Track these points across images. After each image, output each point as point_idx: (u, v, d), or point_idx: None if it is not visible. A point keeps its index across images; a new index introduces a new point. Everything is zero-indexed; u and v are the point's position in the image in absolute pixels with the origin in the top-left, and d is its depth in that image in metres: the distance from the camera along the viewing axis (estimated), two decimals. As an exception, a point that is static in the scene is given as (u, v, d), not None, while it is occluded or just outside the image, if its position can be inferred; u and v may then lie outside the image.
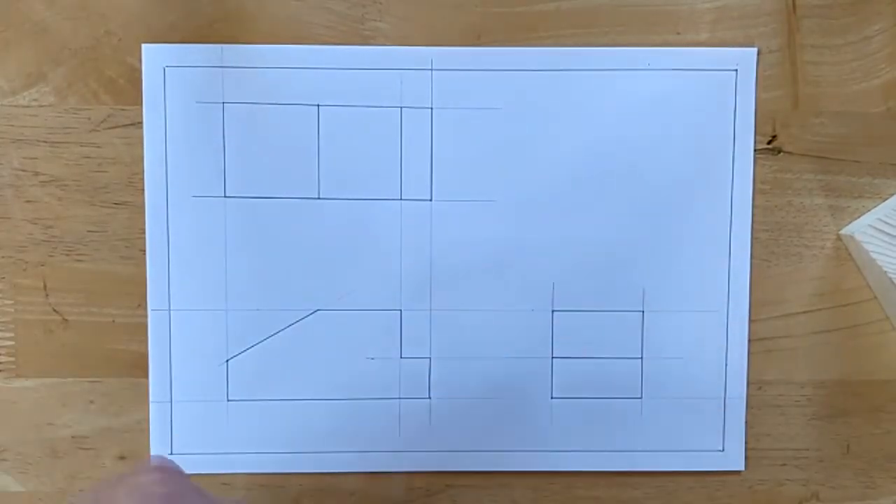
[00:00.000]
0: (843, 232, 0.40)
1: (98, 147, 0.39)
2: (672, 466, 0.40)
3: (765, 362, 0.40)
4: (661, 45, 0.39)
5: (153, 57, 0.38)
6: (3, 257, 0.39)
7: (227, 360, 0.40)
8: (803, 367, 0.40)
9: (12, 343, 0.40)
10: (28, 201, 0.39)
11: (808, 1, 0.39)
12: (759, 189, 0.40)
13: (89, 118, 0.39)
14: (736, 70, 0.39)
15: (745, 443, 0.40)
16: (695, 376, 0.40)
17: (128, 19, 0.39)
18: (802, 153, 0.40)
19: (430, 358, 0.40)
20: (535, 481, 0.41)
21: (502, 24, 0.39)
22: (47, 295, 0.39)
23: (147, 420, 0.40)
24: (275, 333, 0.39)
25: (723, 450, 0.40)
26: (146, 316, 0.39)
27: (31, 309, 0.39)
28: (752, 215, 0.40)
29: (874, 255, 0.38)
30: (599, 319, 0.40)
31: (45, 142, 0.39)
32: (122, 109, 0.39)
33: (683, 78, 0.39)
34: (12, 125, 0.39)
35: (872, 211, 0.40)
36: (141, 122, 0.39)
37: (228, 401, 0.40)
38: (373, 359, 0.40)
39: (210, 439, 0.40)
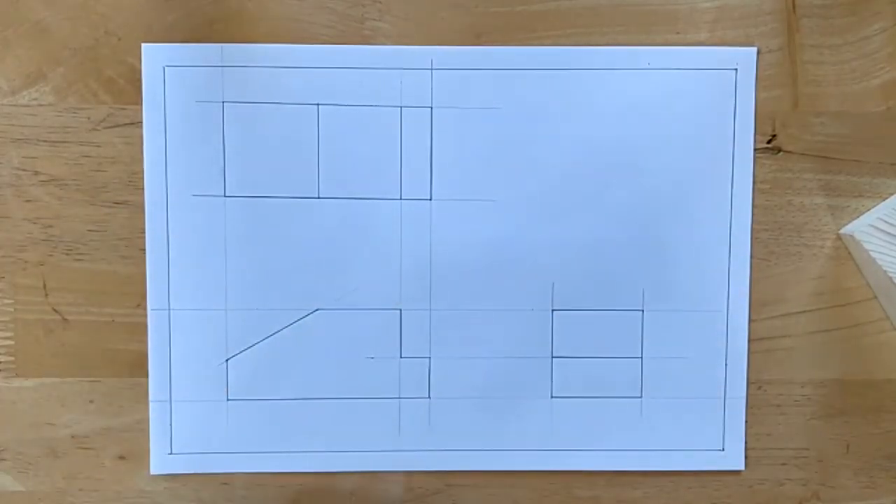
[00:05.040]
0: (842, 231, 0.40)
1: (98, 146, 0.39)
2: (672, 466, 0.40)
3: (765, 362, 0.40)
4: (661, 45, 0.39)
5: (153, 57, 0.38)
6: (2, 257, 0.39)
7: (227, 360, 0.40)
8: (803, 367, 0.40)
9: (12, 343, 0.39)
10: (28, 201, 0.39)
11: (808, 1, 0.39)
12: (759, 189, 0.40)
13: (89, 118, 0.39)
14: (736, 69, 0.39)
15: (745, 443, 0.40)
16: (695, 376, 0.40)
17: (128, 19, 0.39)
18: (802, 153, 0.40)
19: (430, 358, 0.40)
20: (535, 481, 0.41)
21: (502, 24, 0.39)
22: (47, 295, 0.39)
23: (147, 420, 0.40)
24: (275, 333, 0.39)
25: (723, 450, 0.40)
26: (146, 315, 0.39)
27: (31, 309, 0.39)
28: (752, 215, 0.40)
29: (874, 255, 0.38)
30: (599, 319, 0.40)
31: (45, 141, 0.39)
32: (122, 109, 0.39)
33: (683, 77, 0.39)
34: (12, 125, 0.39)
35: (872, 210, 0.40)
36: (141, 122, 0.39)
37: (228, 400, 0.40)
38: (373, 358, 0.40)
39: (210, 439, 0.40)
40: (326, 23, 0.39)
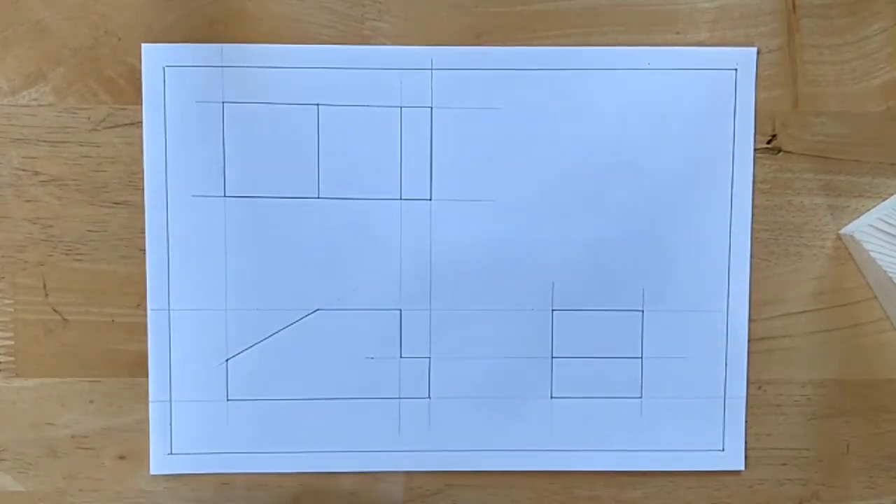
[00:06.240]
0: (843, 232, 0.40)
1: (98, 147, 0.39)
2: (672, 466, 0.40)
3: (765, 362, 0.40)
4: (661, 45, 0.39)
5: (153, 57, 0.38)
6: (2, 257, 0.39)
7: (227, 360, 0.40)
8: (803, 367, 0.40)
9: (12, 343, 0.39)
10: (28, 201, 0.39)
11: (808, 1, 0.39)
12: (759, 189, 0.40)
13: (89, 118, 0.39)
14: (736, 69, 0.39)
15: (745, 443, 0.40)
16: (695, 376, 0.40)
17: (128, 19, 0.39)
18: (802, 153, 0.40)
19: (430, 358, 0.40)
20: (535, 481, 0.41)
21: (502, 24, 0.39)
22: (47, 295, 0.39)
23: (147, 420, 0.40)
24: (275, 333, 0.39)
25: (723, 450, 0.40)
26: (146, 315, 0.39)
27: (31, 309, 0.39)
28: (752, 215, 0.40)
29: (874, 255, 0.38)
30: (599, 319, 0.40)
31: (45, 141, 0.39)
32: (122, 109, 0.39)
33: (683, 77, 0.39)
34: (12, 125, 0.39)
35: (872, 210, 0.40)
36: (140, 122, 0.39)
37: (228, 400, 0.40)
38: (373, 358, 0.40)
39: (210, 439, 0.40)
40: (326, 23, 0.39)
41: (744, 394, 0.40)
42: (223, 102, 0.39)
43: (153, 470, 0.40)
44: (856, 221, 0.40)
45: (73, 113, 0.39)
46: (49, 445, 0.40)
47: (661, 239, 0.40)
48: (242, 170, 0.39)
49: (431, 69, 0.39)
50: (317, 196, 0.39)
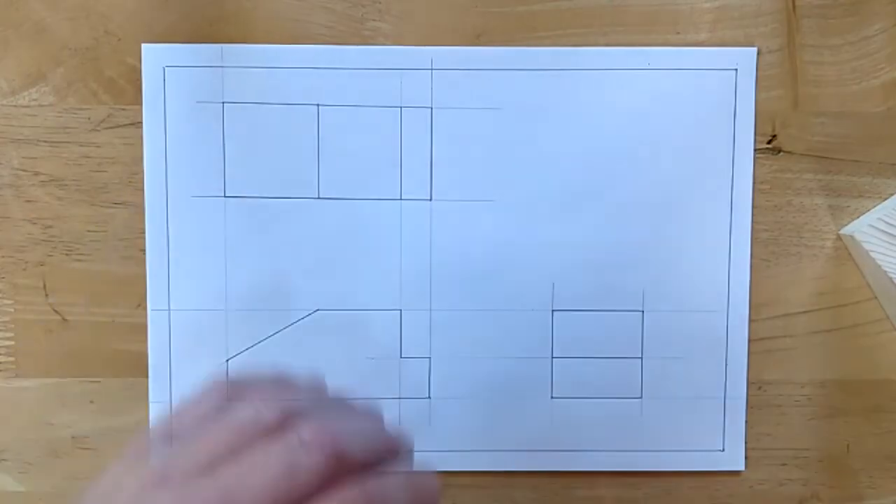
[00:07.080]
0: (843, 232, 0.40)
1: (98, 147, 0.39)
2: (672, 466, 0.40)
3: (765, 362, 0.40)
4: (661, 45, 0.39)
5: (153, 57, 0.38)
6: (2, 257, 0.39)
7: (227, 360, 0.40)
8: (803, 367, 0.40)
9: (12, 343, 0.39)
10: (28, 201, 0.39)
11: (808, 1, 0.39)
12: (759, 189, 0.40)
13: (89, 118, 0.39)
14: (736, 70, 0.39)
15: (745, 443, 0.40)
16: (695, 376, 0.40)
17: (128, 19, 0.39)
18: (802, 153, 0.40)
19: (430, 358, 0.40)
20: (535, 481, 0.41)
21: (502, 24, 0.39)
22: (47, 295, 0.39)
23: (147, 420, 0.40)
24: (275, 333, 0.39)
25: (723, 450, 0.40)
26: (146, 316, 0.39)
27: (31, 309, 0.39)
28: (752, 215, 0.40)
29: (874, 255, 0.38)
30: (599, 319, 0.40)
31: (45, 141, 0.39)
32: (122, 109, 0.39)
33: (683, 78, 0.39)
34: (12, 125, 0.39)
35: (872, 211, 0.40)
36: (141, 122, 0.39)
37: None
38: (373, 359, 0.40)
39: (210, 439, 0.40)
40: (326, 23, 0.39)
41: (744, 394, 0.40)
42: (223, 102, 0.39)
43: (153, 470, 0.40)
44: (856, 221, 0.40)
45: (73, 113, 0.39)
46: (49, 445, 0.40)
47: (661, 239, 0.40)
48: (242, 170, 0.39)
49: (431, 69, 0.39)
50: (317, 196, 0.39)
